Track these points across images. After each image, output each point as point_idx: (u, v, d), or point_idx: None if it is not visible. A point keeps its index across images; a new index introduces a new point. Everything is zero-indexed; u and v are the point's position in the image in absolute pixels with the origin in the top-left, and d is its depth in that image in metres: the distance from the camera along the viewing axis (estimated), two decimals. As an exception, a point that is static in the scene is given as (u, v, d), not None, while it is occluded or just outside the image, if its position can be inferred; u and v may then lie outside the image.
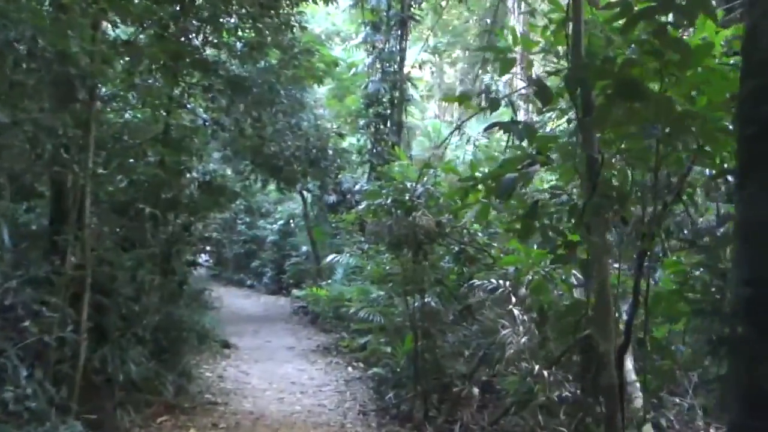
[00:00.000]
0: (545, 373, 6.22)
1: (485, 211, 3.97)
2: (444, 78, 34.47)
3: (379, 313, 10.35)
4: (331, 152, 9.94)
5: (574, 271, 5.24)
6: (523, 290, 5.73)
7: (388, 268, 9.39)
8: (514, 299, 5.99)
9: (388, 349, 9.36)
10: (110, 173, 8.42)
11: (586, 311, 4.38)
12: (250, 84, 8.19)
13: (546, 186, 5.83)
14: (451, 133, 7.65)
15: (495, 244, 8.10)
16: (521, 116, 19.11)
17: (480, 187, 4.07)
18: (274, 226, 22.02)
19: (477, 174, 3.98)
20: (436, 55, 27.61)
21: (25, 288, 6.11)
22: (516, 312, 5.94)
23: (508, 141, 5.79)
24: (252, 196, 23.63)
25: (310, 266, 18.18)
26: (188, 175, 8.68)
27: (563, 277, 4.82)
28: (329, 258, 13.28)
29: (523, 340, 6.10)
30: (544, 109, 5.14)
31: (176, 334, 8.61)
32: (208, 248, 17.06)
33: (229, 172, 9.87)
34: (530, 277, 5.43)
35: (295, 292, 17.08)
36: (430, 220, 7.69)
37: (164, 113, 8.15)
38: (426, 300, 8.54)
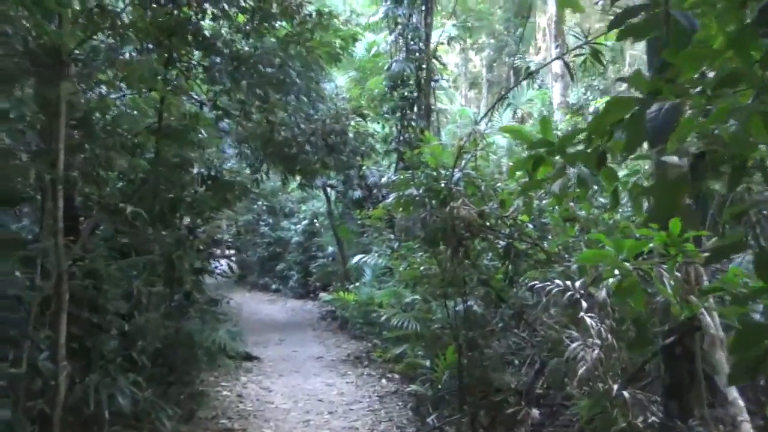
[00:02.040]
0: (626, 394, 5.00)
1: (582, 188, 2.74)
2: (469, 66, 33.13)
3: (415, 320, 9.15)
4: (351, 135, 8.68)
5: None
6: (602, 293, 4.50)
7: (422, 268, 8.17)
8: (585, 304, 4.76)
9: (427, 362, 8.12)
10: (99, 170, 7.39)
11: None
12: (256, 61, 7.04)
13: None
14: (500, 98, 6.46)
15: (549, 237, 6.85)
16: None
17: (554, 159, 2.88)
18: (298, 226, 20.97)
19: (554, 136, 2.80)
20: (461, 40, 26.37)
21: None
22: (589, 320, 4.70)
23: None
24: (273, 196, 22.67)
25: (337, 268, 17.03)
26: (191, 170, 7.56)
27: (665, 277, 3.61)
28: (355, 259, 12.06)
29: (595, 353, 4.87)
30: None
31: (184, 353, 7.52)
32: (228, 252, 16.08)
33: (241, 165, 8.68)
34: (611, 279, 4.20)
35: (323, 295, 15.98)
36: (471, 210, 6.47)
37: (158, 99, 7.01)
38: (468, 304, 7.33)
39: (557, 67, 16.16)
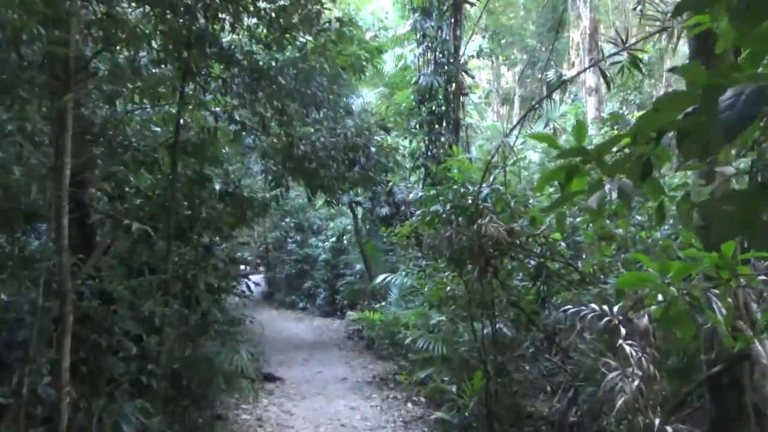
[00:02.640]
0: (669, 429, 4.57)
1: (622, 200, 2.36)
2: (501, 82, 32.74)
3: (441, 342, 8.75)
4: (374, 150, 8.32)
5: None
6: (644, 320, 4.08)
7: (448, 288, 7.79)
8: (624, 331, 4.34)
9: (453, 388, 7.70)
10: (115, 186, 7.19)
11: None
12: (275, 74, 6.77)
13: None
14: (531, 109, 6.10)
15: (584, 256, 6.44)
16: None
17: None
18: (326, 243, 20.70)
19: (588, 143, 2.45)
20: (492, 55, 26.00)
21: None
22: (628, 349, 4.28)
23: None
24: (301, 212, 22.48)
25: (364, 286, 16.69)
26: (208, 186, 7.30)
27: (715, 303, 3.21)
28: (380, 278, 11.69)
29: (635, 383, 4.44)
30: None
31: (201, 376, 7.22)
32: (250, 270, 15.86)
33: (265, 181, 8.39)
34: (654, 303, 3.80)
35: (350, 314, 15.64)
36: (500, 228, 6.10)
37: (175, 113, 6.79)
38: (497, 327, 6.93)
39: (591, 80, 15.72)
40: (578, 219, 6.23)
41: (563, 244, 6.52)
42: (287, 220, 23.11)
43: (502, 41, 22.65)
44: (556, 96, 16.76)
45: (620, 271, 6.09)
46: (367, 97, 15.73)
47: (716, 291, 3.15)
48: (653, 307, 3.59)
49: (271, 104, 6.69)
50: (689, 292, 3.11)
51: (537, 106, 6.37)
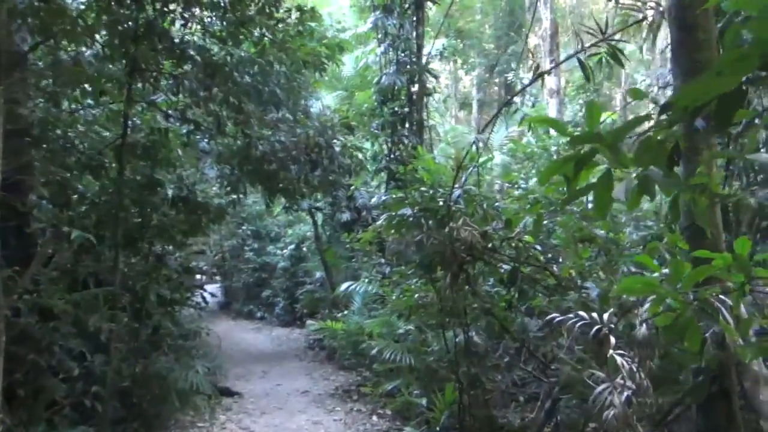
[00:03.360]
0: (662, 444, 4.28)
1: (641, 194, 2.01)
2: (459, 86, 32.64)
3: (408, 352, 8.36)
4: (338, 149, 7.85)
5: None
6: (642, 329, 3.77)
7: (416, 296, 7.40)
8: (613, 340, 4.02)
9: (423, 401, 7.31)
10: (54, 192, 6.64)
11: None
12: (230, 69, 6.32)
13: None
14: (505, 104, 5.80)
15: (561, 260, 6.14)
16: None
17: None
18: (285, 251, 20.14)
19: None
20: (452, 59, 25.85)
21: None
22: (619, 359, 3.96)
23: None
24: (258, 219, 21.87)
25: (325, 294, 16.22)
26: (160, 191, 6.80)
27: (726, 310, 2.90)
28: (342, 287, 11.23)
29: (624, 396, 4.13)
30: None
31: (153, 394, 6.70)
32: (205, 279, 15.29)
33: (221, 186, 7.85)
34: (646, 311, 3.49)
35: (310, 323, 15.16)
36: (473, 231, 5.75)
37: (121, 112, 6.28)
38: (469, 335, 6.58)
39: (553, 82, 15.59)
40: (558, 219, 5.91)
41: (538, 248, 6.21)
42: (244, 227, 22.47)
43: (460, 45, 22.43)
44: (516, 99, 16.63)
45: (599, 276, 5.81)
46: (325, 100, 15.30)
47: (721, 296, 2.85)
48: (645, 311, 3.30)
49: (227, 102, 6.22)
50: (701, 298, 2.79)
51: (510, 100, 6.04)
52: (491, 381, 6.87)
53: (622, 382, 4.11)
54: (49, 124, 6.29)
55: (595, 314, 4.07)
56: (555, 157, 11.45)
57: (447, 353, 6.84)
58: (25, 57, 5.89)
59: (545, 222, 5.93)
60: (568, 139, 2.16)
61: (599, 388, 4.12)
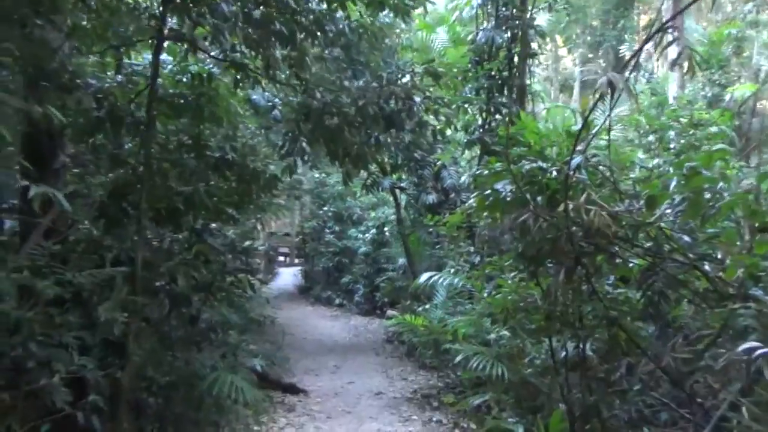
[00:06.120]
0: None
1: None
2: (559, 67, 30.38)
3: (499, 362, 6.81)
4: (419, 99, 6.21)
5: None
6: None
7: (510, 296, 5.83)
8: None
9: (520, 430, 5.74)
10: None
11: None
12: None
13: None
14: (635, 54, 4.19)
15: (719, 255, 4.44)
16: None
17: None
18: (367, 235, 18.90)
19: None
20: (549, 39, 23.72)
21: None
22: None
23: None
24: (342, 201, 20.77)
25: (407, 283, 14.82)
26: (204, 154, 5.54)
27: None
28: (423, 277, 9.73)
29: None
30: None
31: (186, 401, 5.48)
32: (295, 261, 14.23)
33: (265, 149, 6.49)
34: None
35: (390, 313, 13.83)
36: (601, 212, 4.17)
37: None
38: (583, 347, 5.01)
39: (675, 53, 13.47)
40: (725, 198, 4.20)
41: (686, 238, 4.53)
42: (325, 208, 21.42)
43: (566, 17, 20.29)
44: (630, 76, 14.60)
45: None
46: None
47: None
48: None
49: (275, 34, 4.82)
50: None
51: (636, 54, 4.38)
52: (611, 408, 5.26)
53: None
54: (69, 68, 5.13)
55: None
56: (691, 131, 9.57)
57: (554, 369, 5.29)
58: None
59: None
60: None
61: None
